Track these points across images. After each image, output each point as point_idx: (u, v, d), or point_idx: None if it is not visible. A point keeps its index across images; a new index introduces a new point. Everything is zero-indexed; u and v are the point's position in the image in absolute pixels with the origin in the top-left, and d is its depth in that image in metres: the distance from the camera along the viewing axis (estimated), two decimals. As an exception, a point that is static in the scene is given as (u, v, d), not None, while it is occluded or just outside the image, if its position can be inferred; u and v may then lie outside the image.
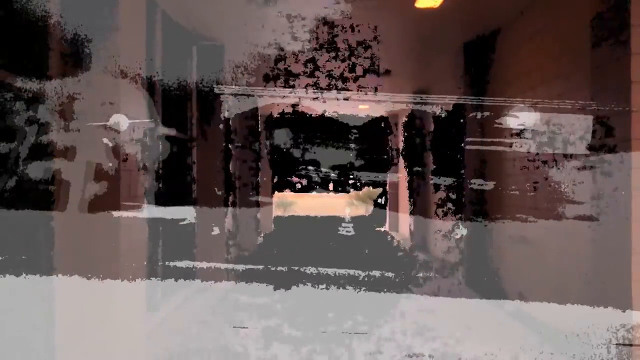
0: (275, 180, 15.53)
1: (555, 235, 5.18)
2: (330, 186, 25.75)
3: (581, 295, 4.45)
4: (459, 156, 7.76)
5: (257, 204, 11.60)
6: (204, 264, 7.14)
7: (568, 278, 4.88)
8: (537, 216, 5.60)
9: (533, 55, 5.83)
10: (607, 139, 3.91)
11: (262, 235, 12.79)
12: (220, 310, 6.28)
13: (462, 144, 7.53)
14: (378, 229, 15.82)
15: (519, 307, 5.89)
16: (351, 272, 8.52)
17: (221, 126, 7.47)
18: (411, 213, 11.93)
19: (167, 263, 5.94)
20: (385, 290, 7.43)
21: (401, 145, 12.90)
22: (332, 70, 8.36)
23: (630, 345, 3.76)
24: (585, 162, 4.35)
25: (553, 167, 5.13)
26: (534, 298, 5.58)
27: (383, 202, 17.21)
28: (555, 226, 5.14)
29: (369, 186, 23.93)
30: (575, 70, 4.76)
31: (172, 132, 6.28)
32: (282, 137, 15.64)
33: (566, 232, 4.93)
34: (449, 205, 8.49)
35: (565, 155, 4.91)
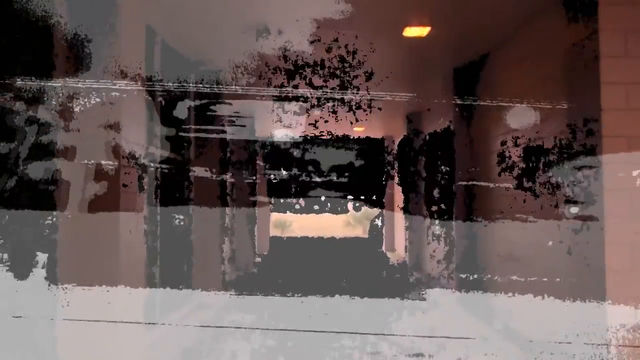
0: (273, 201, 15.73)
1: (541, 253, 5.37)
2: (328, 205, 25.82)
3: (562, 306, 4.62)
4: (449, 177, 7.98)
5: (254, 223, 11.78)
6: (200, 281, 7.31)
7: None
8: (525, 235, 5.80)
9: (519, 80, 6.07)
10: (582, 162, 4.12)
11: (256, 258, 12.91)
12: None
13: (453, 165, 7.78)
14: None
15: (507, 324, 6.06)
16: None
17: (218, 148, 7.73)
18: (406, 234, 12.12)
19: (164, 284, 6.11)
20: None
21: (396, 166, 13.14)
22: (326, 94, 8.61)
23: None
24: (563, 182, 4.55)
25: (534, 191, 5.34)
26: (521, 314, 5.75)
27: (380, 224, 17.37)
28: (538, 244, 5.33)
29: (366, 207, 24.12)
30: (557, 95, 4.99)
31: (170, 153, 6.49)
32: (279, 156, 15.86)
33: (547, 248, 5.12)
34: (440, 227, 8.69)
35: (546, 176, 5.12)
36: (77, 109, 3.95)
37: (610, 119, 3.89)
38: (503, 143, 6.40)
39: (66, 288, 3.85)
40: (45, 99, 3.81)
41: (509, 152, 6.20)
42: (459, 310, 7.31)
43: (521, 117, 5.82)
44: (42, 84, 3.78)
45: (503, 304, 6.28)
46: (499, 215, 6.54)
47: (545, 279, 5.12)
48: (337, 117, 8.39)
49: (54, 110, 3.88)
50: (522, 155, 5.78)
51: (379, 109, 9.69)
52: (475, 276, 7.27)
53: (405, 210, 11.98)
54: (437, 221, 9.03)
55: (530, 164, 5.51)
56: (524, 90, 5.89)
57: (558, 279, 4.83)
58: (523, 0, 5.18)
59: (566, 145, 4.39)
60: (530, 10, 5.37)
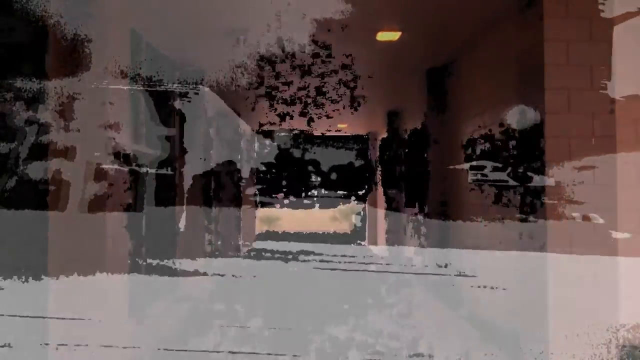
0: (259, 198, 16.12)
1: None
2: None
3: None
4: (425, 172, 8.38)
5: (239, 218, 12.12)
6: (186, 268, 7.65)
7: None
8: (486, 225, 6.20)
9: (482, 84, 6.46)
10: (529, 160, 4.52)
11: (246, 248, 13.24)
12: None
13: (428, 161, 8.18)
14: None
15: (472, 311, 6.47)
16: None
17: (203, 143, 8.06)
18: (387, 228, 12.52)
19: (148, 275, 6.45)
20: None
21: (378, 162, 13.51)
22: (308, 94, 8.99)
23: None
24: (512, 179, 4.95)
25: (492, 185, 5.75)
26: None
27: (362, 217, 17.84)
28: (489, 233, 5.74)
29: (352, 202, 24.56)
30: (513, 99, 5.38)
31: (156, 152, 6.82)
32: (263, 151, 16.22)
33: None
34: (418, 219, 9.11)
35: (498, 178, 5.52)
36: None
37: (553, 122, 4.29)
38: (468, 142, 6.80)
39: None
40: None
41: (474, 149, 6.60)
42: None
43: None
44: (38, 84, 4.01)
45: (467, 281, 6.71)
46: (469, 209, 6.95)
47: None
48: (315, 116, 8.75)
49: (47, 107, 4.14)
50: (480, 153, 6.19)
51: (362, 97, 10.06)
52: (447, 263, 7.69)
53: (387, 205, 12.36)
54: (414, 215, 9.44)
55: (487, 160, 5.91)
56: (485, 93, 6.28)
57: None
58: (482, 9, 5.55)
59: (515, 146, 4.78)
60: (489, 19, 5.76)
